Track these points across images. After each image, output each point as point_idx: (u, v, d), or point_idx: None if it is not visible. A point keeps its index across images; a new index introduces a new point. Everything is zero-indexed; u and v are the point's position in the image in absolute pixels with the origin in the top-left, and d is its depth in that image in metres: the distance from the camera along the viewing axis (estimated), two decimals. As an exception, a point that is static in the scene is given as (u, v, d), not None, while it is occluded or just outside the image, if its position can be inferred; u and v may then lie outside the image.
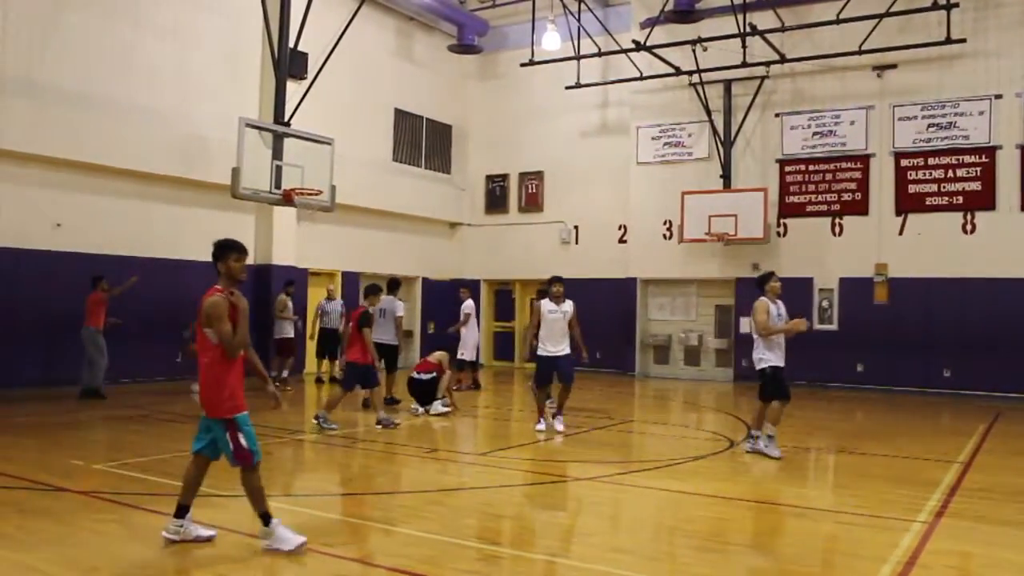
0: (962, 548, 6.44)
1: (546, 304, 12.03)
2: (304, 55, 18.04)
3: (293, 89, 17.04)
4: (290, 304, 17.68)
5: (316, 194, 16.29)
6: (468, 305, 17.35)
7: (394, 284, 14.92)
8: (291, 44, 16.74)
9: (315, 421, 11.81)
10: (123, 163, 16.16)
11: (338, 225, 20.46)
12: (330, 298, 18.48)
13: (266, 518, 5.92)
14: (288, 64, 16.77)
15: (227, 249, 6.22)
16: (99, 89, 16.02)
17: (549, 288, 12.16)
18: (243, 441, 5.92)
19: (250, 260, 18.90)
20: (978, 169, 18.36)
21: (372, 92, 21.95)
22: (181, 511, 6.03)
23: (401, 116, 23.10)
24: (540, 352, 11.95)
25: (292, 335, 17.63)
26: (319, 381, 18.00)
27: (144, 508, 6.93)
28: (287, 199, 15.88)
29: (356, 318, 12.11)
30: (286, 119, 16.46)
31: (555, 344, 11.90)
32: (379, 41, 22.24)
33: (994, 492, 8.42)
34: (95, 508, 6.99)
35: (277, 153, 15.91)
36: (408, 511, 7.30)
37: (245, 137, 15.04)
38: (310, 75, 17.78)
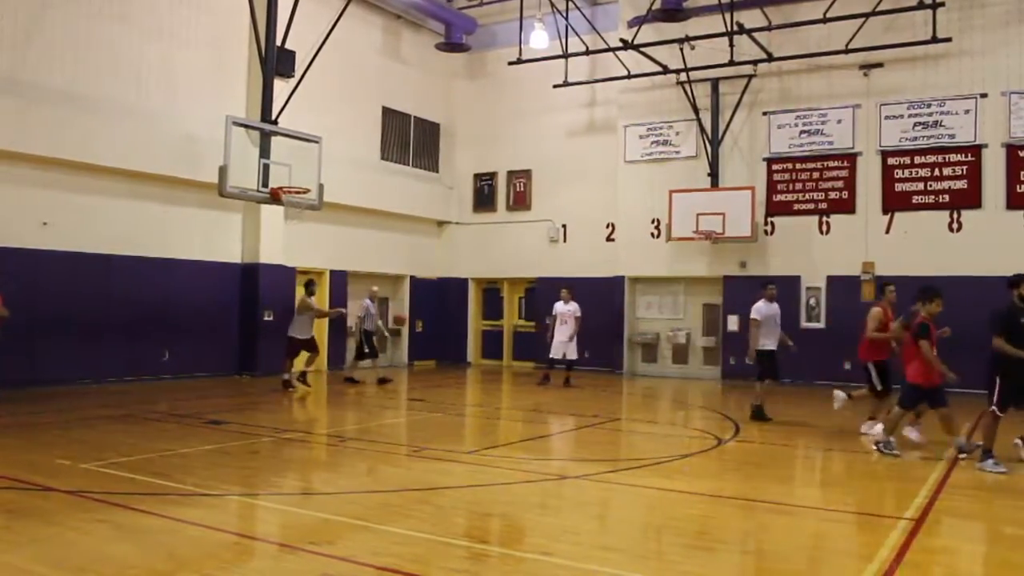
0: (949, 545, 6.47)
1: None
2: (291, 53, 18.01)
3: (280, 87, 17.01)
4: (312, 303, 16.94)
5: (304, 192, 16.26)
6: (555, 306, 18.49)
7: (766, 283, 14.14)
8: (278, 42, 16.70)
9: (876, 448, 10.36)
10: (110, 162, 16.10)
11: (326, 224, 20.42)
12: (372, 299, 18.56)
13: None
14: (275, 62, 16.73)
15: None
16: (86, 88, 15.96)
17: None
18: None
19: (237, 259, 19.12)
20: (964, 168, 18.46)
21: (360, 90, 21.92)
22: None
23: (389, 114, 23.07)
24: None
25: (308, 336, 16.74)
26: (352, 381, 17.91)
27: (132, 508, 6.90)
28: (275, 198, 15.85)
29: (915, 330, 10.33)
30: (273, 117, 16.42)
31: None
32: (366, 39, 22.20)
33: (981, 489, 8.47)
34: (82, 508, 6.96)
35: (264, 151, 15.89)
36: (396, 510, 7.30)
37: (232, 135, 15.00)
38: (297, 73, 17.73)
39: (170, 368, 17.56)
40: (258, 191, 15.63)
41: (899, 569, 5.66)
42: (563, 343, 18.14)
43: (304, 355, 16.68)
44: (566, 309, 18.24)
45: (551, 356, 18.47)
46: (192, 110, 17.51)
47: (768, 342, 13.33)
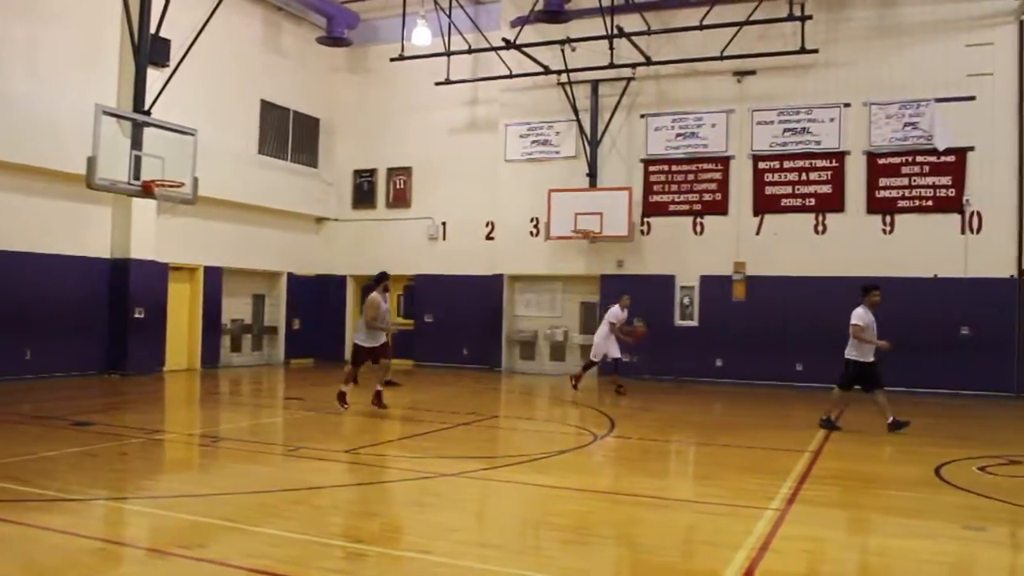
0: (812, 533, 6.74)
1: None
2: (166, 41, 17.42)
3: (154, 77, 16.42)
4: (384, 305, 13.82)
5: (178, 186, 15.77)
6: (613, 311, 17.06)
7: (869, 287, 12.57)
8: (152, 29, 16.15)
9: None
10: (-34, 149, 15.30)
11: (201, 218, 19.87)
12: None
13: None
14: (149, 50, 16.17)
15: None
16: (-60, 70, 15.11)
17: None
18: None
19: (106, 254, 18.38)
20: (829, 173, 19.29)
21: (238, 83, 21.39)
22: None
23: (268, 108, 22.60)
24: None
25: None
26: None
27: (-12, 514, 6.58)
28: (147, 191, 15.32)
29: None
30: (146, 108, 15.88)
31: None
32: (245, 30, 21.69)
33: (841, 479, 8.87)
34: (-67, 515, 6.60)
35: (136, 143, 15.32)
36: (270, 511, 7.17)
37: (102, 125, 14.43)
38: (172, 62, 17.19)
39: (33, 367, 16.77)
40: (129, 184, 15.08)
41: (765, 556, 5.88)
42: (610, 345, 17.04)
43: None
44: (623, 315, 17.14)
45: (619, 358, 17.10)
46: (58, 96, 16.72)
47: (869, 350, 12.11)
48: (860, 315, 12.11)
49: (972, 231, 18.15)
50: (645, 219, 20.87)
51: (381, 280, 13.76)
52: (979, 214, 18.11)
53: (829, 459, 10.00)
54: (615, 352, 16.92)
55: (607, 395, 16.99)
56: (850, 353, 12.16)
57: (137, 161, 15.13)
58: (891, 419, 11.93)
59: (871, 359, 12.04)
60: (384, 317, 13.50)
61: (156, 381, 17.69)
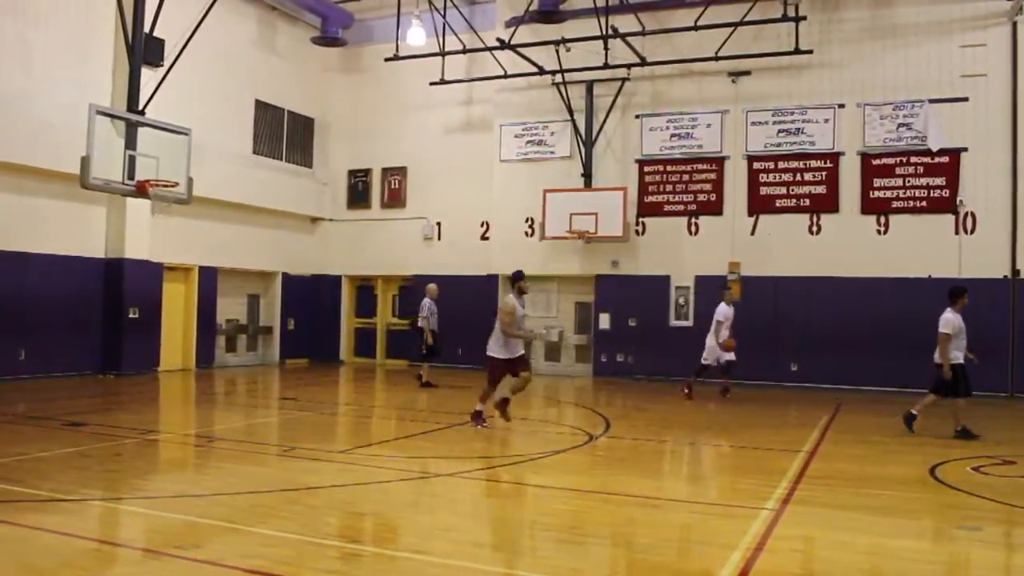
0: (806, 532, 6.76)
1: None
2: (160, 41, 17.38)
3: (148, 76, 16.40)
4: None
5: (172, 186, 15.74)
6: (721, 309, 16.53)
7: (958, 290, 12.13)
8: (147, 29, 16.13)
9: None
10: (-40, 149, 15.24)
11: (195, 219, 19.84)
12: (432, 296, 17.62)
13: None
14: (143, 50, 16.15)
15: None
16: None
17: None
18: None
19: (100, 254, 18.31)
20: (823, 173, 19.32)
21: (232, 82, 21.37)
22: None
23: (262, 108, 22.57)
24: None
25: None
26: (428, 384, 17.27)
27: (-18, 514, 6.56)
28: (141, 191, 15.29)
29: None
30: (140, 107, 15.85)
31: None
32: (240, 30, 21.67)
33: (835, 479, 8.87)
34: (-73, 515, 6.58)
35: (131, 142, 15.29)
36: (265, 511, 7.16)
37: (96, 124, 14.40)
38: (167, 62, 17.16)
39: (27, 367, 16.73)
40: (123, 183, 15.04)
41: (760, 557, 5.89)
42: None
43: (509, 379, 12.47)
44: (731, 311, 16.68)
45: (732, 360, 16.50)
46: (51, 95, 16.69)
47: (960, 354, 11.64)
48: (949, 320, 11.64)
49: (966, 232, 18.20)
50: (640, 219, 20.88)
51: (516, 280, 12.37)
52: (973, 215, 18.16)
53: (824, 459, 10.01)
54: (727, 355, 16.45)
55: (603, 395, 17.00)
56: (939, 359, 11.73)
57: (131, 161, 15.10)
58: (911, 412, 11.87)
59: (961, 360, 11.64)
60: (520, 323, 12.18)
61: (151, 381, 17.67)
